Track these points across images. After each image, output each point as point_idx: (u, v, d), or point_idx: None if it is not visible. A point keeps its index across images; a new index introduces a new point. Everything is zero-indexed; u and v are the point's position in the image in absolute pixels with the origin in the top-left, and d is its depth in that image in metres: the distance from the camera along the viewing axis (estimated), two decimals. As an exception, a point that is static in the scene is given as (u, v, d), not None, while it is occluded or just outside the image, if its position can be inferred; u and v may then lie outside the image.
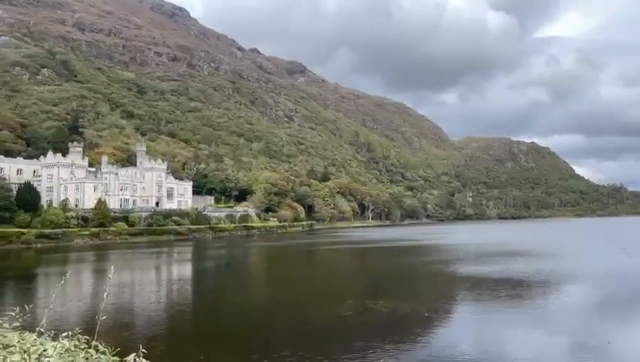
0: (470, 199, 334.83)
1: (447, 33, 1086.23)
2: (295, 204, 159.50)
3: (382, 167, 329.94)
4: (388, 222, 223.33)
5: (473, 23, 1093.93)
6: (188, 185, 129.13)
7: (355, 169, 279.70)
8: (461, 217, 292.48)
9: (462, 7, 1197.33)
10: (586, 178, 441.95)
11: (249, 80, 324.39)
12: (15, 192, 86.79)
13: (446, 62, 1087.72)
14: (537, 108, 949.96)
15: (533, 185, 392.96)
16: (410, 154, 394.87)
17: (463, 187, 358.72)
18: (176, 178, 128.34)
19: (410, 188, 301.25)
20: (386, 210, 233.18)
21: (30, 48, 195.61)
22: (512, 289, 34.08)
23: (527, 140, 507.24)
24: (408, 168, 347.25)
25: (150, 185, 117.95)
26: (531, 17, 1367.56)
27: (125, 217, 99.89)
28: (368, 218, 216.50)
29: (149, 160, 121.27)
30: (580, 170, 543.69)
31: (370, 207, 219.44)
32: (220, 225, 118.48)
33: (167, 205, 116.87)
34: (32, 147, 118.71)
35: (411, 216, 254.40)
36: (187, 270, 53.65)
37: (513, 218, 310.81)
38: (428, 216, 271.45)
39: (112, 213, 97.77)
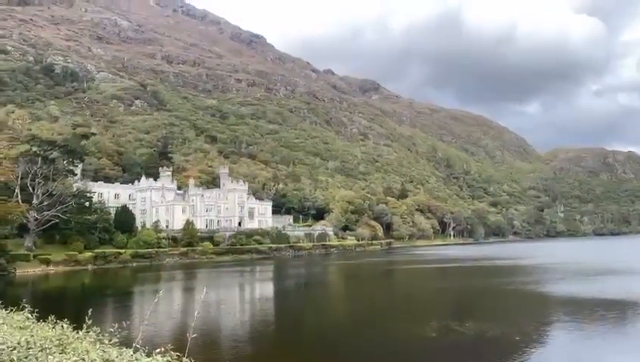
0: (561, 214, 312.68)
1: (525, 40, 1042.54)
2: (373, 222, 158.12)
3: (462, 183, 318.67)
4: (471, 240, 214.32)
5: (553, 28, 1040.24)
6: (268, 205, 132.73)
7: (433, 185, 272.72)
8: (552, 234, 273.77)
9: (540, 12, 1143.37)
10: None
11: (324, 100, 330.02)
12: (113, 215, 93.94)
13: (526, 70, 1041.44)
14: (631, 114, 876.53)
15: (634, 198, 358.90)
16: (493, 168, 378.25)
17: (552, 201, 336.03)
18: (256, 198, 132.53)
19: (495, 204, 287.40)
20: (469, 227, 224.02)
21: (125, 82, 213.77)
22: (614, 311, 31.06)
23: (624, 149, 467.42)
24: (491, 183, 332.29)
25: (233, 206, 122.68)
26: (618, 18, 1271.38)
27: (211, 237, 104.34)
28: (450, 236, 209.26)
29: (232, 181, 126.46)
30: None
31: (452, 225, 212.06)
32: (299, 244, 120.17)
33: (248, 225, 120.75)
34: (127, 173, 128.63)
35: (497, 233, 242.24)
36: (269, 289, 54.70)
37: (612, 234, 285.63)
38: (515, 233, 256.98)
39: (198, 233, 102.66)
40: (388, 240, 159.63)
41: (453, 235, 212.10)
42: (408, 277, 64.20)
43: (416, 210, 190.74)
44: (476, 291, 46.73)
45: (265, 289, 54.26)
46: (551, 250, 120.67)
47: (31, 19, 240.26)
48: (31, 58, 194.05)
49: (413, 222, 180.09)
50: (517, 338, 25.03)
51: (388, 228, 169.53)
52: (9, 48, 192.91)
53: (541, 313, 33.43)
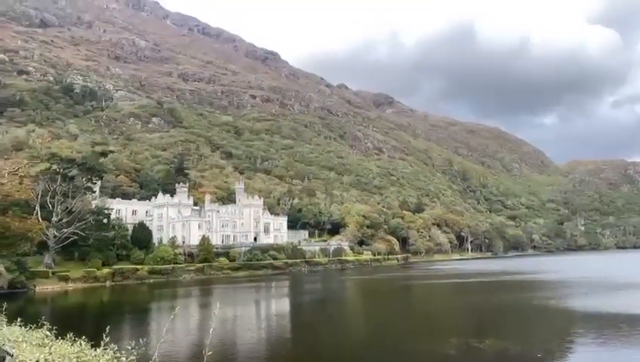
0: (582, 228, 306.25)
1: (539, 52, 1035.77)
2: (389, 237, 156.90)
3: (479, 196, 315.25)
4: (489, 254, 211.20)
5: (568, 39, 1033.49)
6: (283, 220, 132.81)
7: (450, 199, 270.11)
8: (573, 248, 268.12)
9: (553, 23, 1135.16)
10: None
11: (338, 115, 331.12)
12: (131, 231, 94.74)
13: (541, 82, 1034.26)
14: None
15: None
16: (510, 181, 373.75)
17: (572, 215, 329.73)
18: (272, 213, 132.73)
19: (513, 218, 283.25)
20: (487, 241, 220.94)
21: (142, 100, 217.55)
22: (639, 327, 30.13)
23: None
24: (509, 196, 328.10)
25: (248, 221, 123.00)
26: (634, 29, 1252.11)
27: (227, 252, 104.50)
28: (467, 250, 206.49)
29: (247, 197, 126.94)
30: None
31: (469, 239, 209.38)
32: (315, 259, 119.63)
33: (264, 240, 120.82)
34: (145, 189, 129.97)
35: (515, 247, 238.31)
36: (285, 305, 54.39)
37: (634, 247, 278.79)
38: (534, 247, 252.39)
39: (214, 249, 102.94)
40: (404, 255, 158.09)
41: (471, 249, 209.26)
42: (426, 293, 63.33)
43: (433, 224, 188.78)
44: (496, 307, 45.81)
45: (281, 305, 53.96)
46: (572, 264, 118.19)
47: (52, 41, 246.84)
48: (51, 78, 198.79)
49: (429, 236, 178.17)
50: (539, 355, 24.39)
51: (404, 242, 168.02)
52: (30, 69, 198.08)
53: (564, 329, 32.57)
